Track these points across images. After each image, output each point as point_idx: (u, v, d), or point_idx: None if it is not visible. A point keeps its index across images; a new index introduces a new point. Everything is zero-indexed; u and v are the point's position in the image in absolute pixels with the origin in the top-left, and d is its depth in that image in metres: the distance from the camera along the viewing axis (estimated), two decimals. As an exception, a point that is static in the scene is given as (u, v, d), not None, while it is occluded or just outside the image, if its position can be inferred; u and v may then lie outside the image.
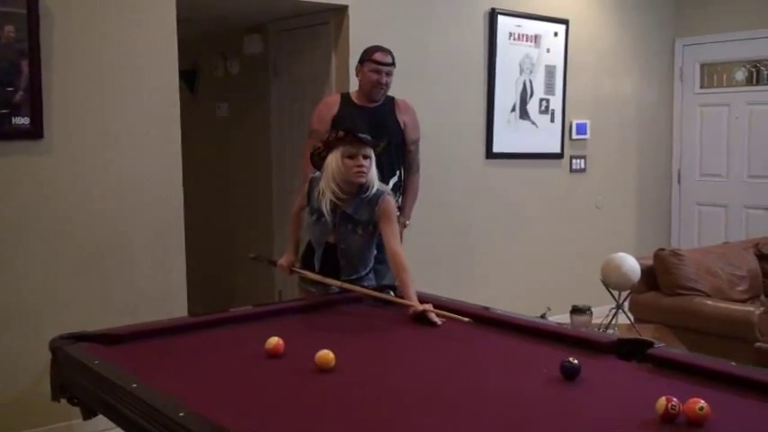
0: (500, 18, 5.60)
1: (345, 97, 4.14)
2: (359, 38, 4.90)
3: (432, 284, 3.55)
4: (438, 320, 2.79)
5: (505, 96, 5.72)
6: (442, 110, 5.39)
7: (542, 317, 3.54)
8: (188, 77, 6.39)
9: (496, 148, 5.69)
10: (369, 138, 3.19)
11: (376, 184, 3.20)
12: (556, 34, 5.97)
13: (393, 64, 4.07)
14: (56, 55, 3.79)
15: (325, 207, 3.15)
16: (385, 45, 4.97)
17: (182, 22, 4.24)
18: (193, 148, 5.43)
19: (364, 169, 3.11)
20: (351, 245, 3.19)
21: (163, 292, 4.18)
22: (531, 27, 5.82)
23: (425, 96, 5.27)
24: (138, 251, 4.10)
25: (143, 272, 4.12)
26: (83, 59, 3.90)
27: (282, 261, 3.47)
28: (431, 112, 5.31)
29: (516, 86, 5.79)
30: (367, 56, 4.06)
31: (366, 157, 3.13)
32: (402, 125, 4.13)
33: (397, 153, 4.11)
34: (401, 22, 5.14)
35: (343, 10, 4.91)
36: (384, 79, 4.03)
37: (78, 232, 3.92)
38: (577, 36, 6.12)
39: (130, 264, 4.08)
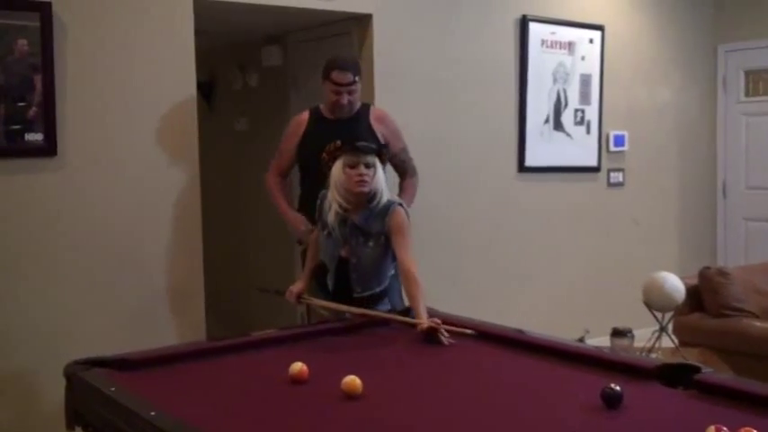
0: (531, 25, 5.61)
1: (315, 112, 4.06)
2: (383, 48, 4.93)
3: (458, 306, 3.55)
4: (446, 340, 2.83)
5: (538, 107, 5.72)
6: (472, 121, 5.39)
7: (580, 340, 3.53)
8: (205, 90, 6.45)
9: (529, 162, 5.69)
10: (369, 145, 3.23)
11: (385, 194, 3.24)
12: (591, 41, 5.97)
13: (354, 82, 3.89)
14: (70, 69, 3.85)
15: (332, 219, 3.22)
16: (411, 54, 5.01)
17: (199, 33, 4.29)
18: (211, 164, 5.48)
19: (366, 178, 3.16)
20: (362, 258, 3.22)
21: (180, 314, 4.21)
22: (565, 34, 5.82)
23: (453, 107, 5.29)
24: (156, 271, 4.14)
25: (160, 293, 4.15)
26: (97, 73, 3.96)
27: (293, 288, 3.49)
28: (459, 123, 5.32)
29: (549, 96, 5.79)
30: (325, 73, 3.92)
31: (368, 165, 3.18)
32: (381, 137, 3.98)
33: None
34: (428, 30, 5.17)
35: (366, 19, 4.94)
36: (344, 99, 3.89)
37: (93, 251, 3.97)
38: (613, 43, 6.11)
39: (147, 284, 4.11)
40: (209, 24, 5.02)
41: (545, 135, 5.77)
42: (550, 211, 5.86)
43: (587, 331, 4.45)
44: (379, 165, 3.22)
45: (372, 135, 3.91)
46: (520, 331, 2.94)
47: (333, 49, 5.21)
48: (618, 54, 6.16)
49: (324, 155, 3.29)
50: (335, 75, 3.86)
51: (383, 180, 3.25)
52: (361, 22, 4.98)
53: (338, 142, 3.22)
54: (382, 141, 3.85)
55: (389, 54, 4.98)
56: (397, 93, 4.99)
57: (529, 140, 5.67)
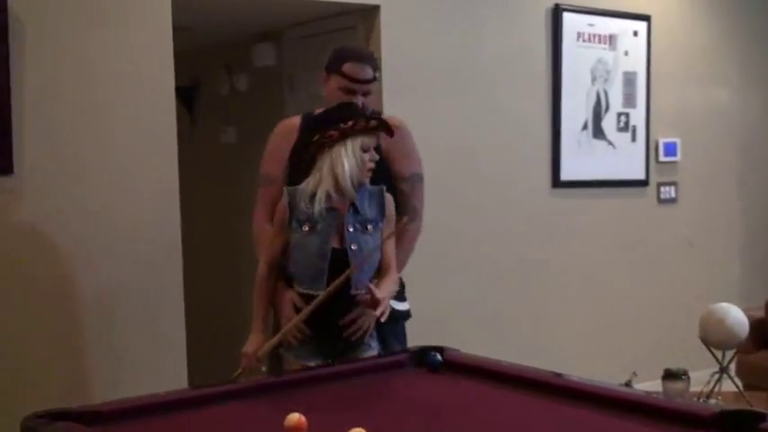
0: (566, 15, 5.63)
1: (308, 119, 3.55)
2: (393, 45, 4.95)
3: (482, 345, 3.54)
4: (378, 312, 2.98)
5: (575, 111, 5.73)
6: (497, 129, 5.41)
7: (627, 384, 3.51)
8: (186, 96, 6.48)
9: (565, 175, 5.69)
10: (384, 119, 3.20)
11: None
12: (635, 33, 5.98)
13: (374, 79, 3.50)
14: (28, 74, 3.87)
15: (317, 210, 3.08)
16: (425, 52, 5.03)
17: (178, 31, 4.32)
18: (193, 183, 5.49)
19: (372, 164, 3.16)
20: (363, 246, 3.13)
21: (157, 358, 4.21)
22: (605, 25, 5.84)
23: (475, 113, 5.30)
24: (127, 307, 4.14)
25: (132, 333, 4.15)
26: (59, 79, 3.98)
27: (247, 349, 3.18)
28: (482, 131, 5.33)
29: (588, 98, 5.80)
30: (335, 65, 3.47)
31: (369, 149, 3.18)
32: (384, 154, 3.45)
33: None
34: (445, 23, 5.19)
35: (373, 11, 4.97)
36: (359, 101, 3.41)
37: (53, 284, 3.98)
38: (662, 35, 6.12)
39: (117, 323, 4.12)
40: (190, 20, 5.06)
41: (583, 144, 5.78)
42: (590, 232, 5.86)
43: (635, 374, 4.43)
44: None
45: (377, 151, 3.30)
46: (557, 375, 2.93)
47: (335, 46, 5.23)
48: (667, 49, 6.17)
49: (332, 132, 3.08)
50: (350, 67, 3.42)
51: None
52: (368, 15, 5.01)
53: (373, 122, 3.10)
54: (385, 159, 3.45)
55: (400, 51, 5.01)
56: (409, 96, 5.01)
57: (564, 150, 5.68)
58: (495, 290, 5.41)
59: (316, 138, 3.12)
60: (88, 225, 4.05)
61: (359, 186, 3.11)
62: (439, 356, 3.09)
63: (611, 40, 5.88)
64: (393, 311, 3.32)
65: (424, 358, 3.08)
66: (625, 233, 6.04)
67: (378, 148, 3.28)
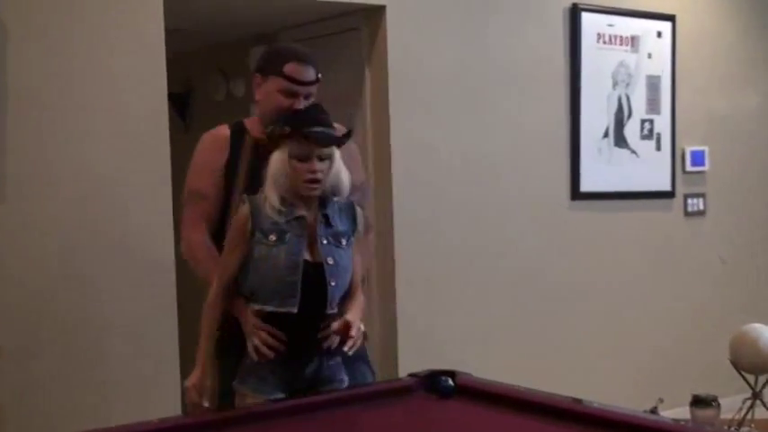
0: (585, 15, 5.64)
1: (238, 131, 3.46)
2: (400, 47, 4.96)
3: (499, 366, 3.54)
4: (348, 346, 3.00)
5: (595, 117, 5.73)
6: (511, 138, 5.41)
7: (652, 411, 3.51)
8: (179, 103, 6.50)
9: (585, 186, 5.69)
10: (328, 132, 3.02)
11: (345, 190, 3.10)
12: (659, 35, 5.99)
13: (317, 80, 3.39)
14: (10, 80, 3.90)
15: (277, 218, 2.98)
16: (434, 55, 5.04)
17: (170, 33, 4.33)
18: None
19: (319, 176, 2.98)
20: (338, 259, 3.06)
21: (150, 385, 4.20)
22: (627, 26, 5.84)
23: (487, 120, 5.31)
24: (117, 331, 4.14)
25: (124, 358, 4.15)
26: (43, 85, 3.99)
27: (191, 381, 3.07)
28: (495, 140, 5.34)
29: (609, 104, 5.80)
30: (273, 66, 3.36)
31: (323, 158, 2.99)
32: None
33: None
34: (455, 24, 5.20)
35: (379, 11, 4.98)
36: (301, 105, 3.30)
37: (34, 298, 3.98)
38: (688, 36, 6.12)
39: (106, 347, 4.11)
40: (183, 21, 5.08)
41: (604, 153, 5.78)
42: (612, 247, 5.85)
43: (661, 400, 4.44)
44: (337, 155, 3.04)
45: None
46: (577, 401, 2.93)
47: (338, 49, 5.25)
48: (694, 51, 6.17)
49: (265, 137, 3.07)
50: (292, 68, 3.31)
51: (344, 174, 3.08)
52: (373, 16, 5.03)
53: (287, 129, 2.98)
54: None
55: (408, 55, 5.02)
56: (416, 103, 5.02)
57: (584, 160, 5.68)
58: (511, 309, 5.40)
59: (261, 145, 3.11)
60: (73, 239, 4.06)
61: (299, 200, 3.00)
62: (450, 381, 3.09)
63: (634, 41, 5.89)
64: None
65: (435, 383, 3.08)
66: (649, 248, 6.03)
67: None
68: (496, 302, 5.32)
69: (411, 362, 4.22)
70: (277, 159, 3.01)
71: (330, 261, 3.03)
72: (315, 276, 3.01)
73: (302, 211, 3.02)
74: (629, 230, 5.94)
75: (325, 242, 3.04)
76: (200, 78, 6.56)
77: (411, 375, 3.25)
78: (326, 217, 3.06)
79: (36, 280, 3.99)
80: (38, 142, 3.98)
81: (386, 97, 4.93)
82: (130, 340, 4.18)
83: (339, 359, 3.11)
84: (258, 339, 2.98)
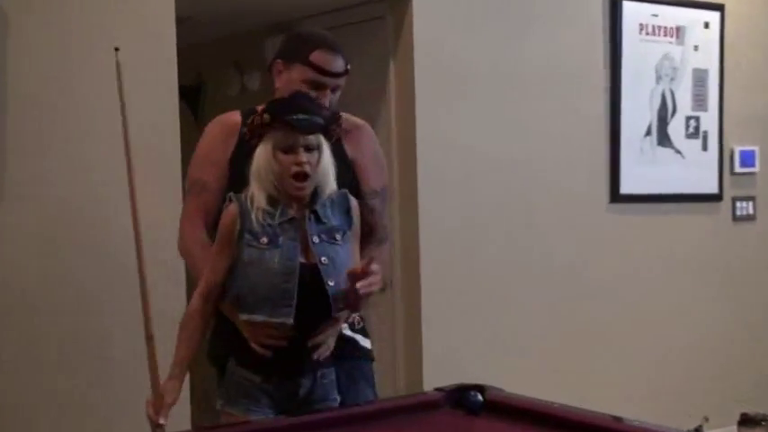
0: (626, 5, 5.64)
1: (250, 115, 3.26)
2: (427, 39, 4.97)
3: (532, 381, 3.54)
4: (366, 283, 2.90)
5: (636, 115, 5.73)
6: (545, 135, 5.41)
7: (697, 430, 3.50)
8: (191, 97, 6.53)
9: (625, 189, 5.69)
10: (312, 119, 2.92)
11: (331, 185, 3.01)
12: (706, 25, 5.97)
13: (346, 72, 3.32)
14: (10, 71, 3.92)
15: (263, 220, 2.91)
16: (464, 48, 5.04)
17: (182, 22, 4.35)
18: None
19: (306, 168, 2.89)
20: (335, 258, 2.98)
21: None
22: (672, 16, 5.83)
23: (520, 117, 5.30)
24: (122, 342, 4.15)
25: (129, 373, 4.16)
26: (45, 77, 4.02)
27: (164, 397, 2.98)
28: (528, 138, 5.33)
29: (652, 100, 5.79)
30: (300, 53, 3.27)
31: (310, 148, 2.91)
32: (352, 164, 3.37)
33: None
34: (486, 15, 5.22)
35: (404, 0, 4.99)
36: (325, 101, 3.24)
37: (36, 304, 4.00)
38: (738, 27, 6.10)
39: (109, 362, 4.14)
40: (195, 10, 5.10)
41: (646, 152, 5.77)
42: (654, 254, 5.84)
43: (706, 419, 4.42)
44: (325, 146, 2.96)
45: (342, 162, 3.21)
46: (616, 419, 2.93)
47: (361, 40, 5.26)
48: (743, 42, 6.15)
49: (245, 130, 3.01)
50: (320, 56, 3.24)
51: (330, 168, 2.98)
52: (398, 5, 5.04)
53: (266, 116, 2.91)
54: (353, 170, 3.34)
55: (436, 47, 5.03)
56: (445, 98, 5.03)
57: (624, 160, 5.67)
58: (545, 320, 5.40)
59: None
60: (77, 240, 4.08)
61: (288, 198, 2.92)
62: (479, 396, 3.09)
63: (679, 32, 5.87)
64: (362, 349, 3.32)
65: (463, 398, 3.08)
66: (695, 255, 6.01)
67: (342, 155, 3.18)
68: (529, 313, 5.32)
69: (437, 375, 4.24)
70: (261, 154, 2.94)
71: (324, 260, 2.94)
72: (311, 280, 2.93)
73: (293, 212, 2.95)
74: (673, 236, 5.92)
75: (317, 240, 2.96)
76: (213, 71, 6.59)
77: (437, 389, 3.26)
78: (316, 213, 2.97)
79: (34, 279, 4.01)
80: (37, 140, 3.99)
81: (412, 92, 4.93)
82: (135, 348, 4.18)
83: (333, 377, 3.07)
84: (265, 340, 2.94)
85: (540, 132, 5.38)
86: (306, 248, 2.94)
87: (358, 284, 2.88)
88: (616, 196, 5.68)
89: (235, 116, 3.36)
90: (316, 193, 2.97)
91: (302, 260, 2.93)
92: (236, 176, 3.16)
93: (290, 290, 2.90)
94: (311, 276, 2.92)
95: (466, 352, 5.02)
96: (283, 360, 2.95)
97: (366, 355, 3.40)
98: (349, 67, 3.32)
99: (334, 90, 3.27)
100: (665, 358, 5.84)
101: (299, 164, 2.87)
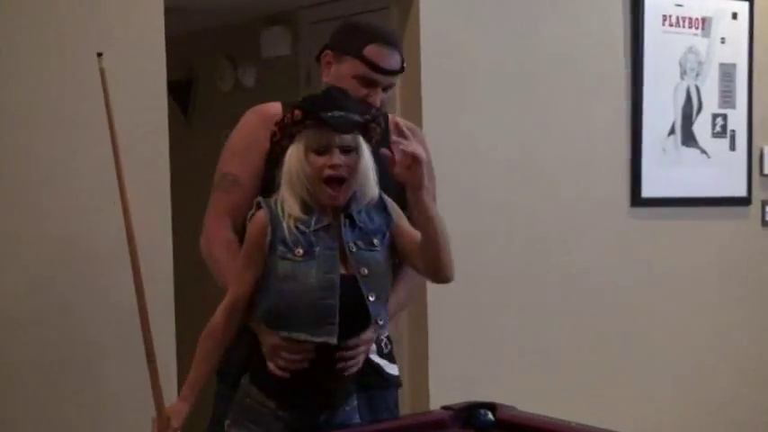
0: (648, -6, 5.65)
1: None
2: (435, 32, 4.97)
3: (546, 398, 3.54)
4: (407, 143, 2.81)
5: (659, 112, 5.73)
6: (561, 135, 5.41)
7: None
8: (180, 93, 6.53)
9: (647, 192, 5.69)
10: (349, 116, 2.85)
11: (372, 190, 2.94)
12: (734, 16, 5.97)
13: (402, 69, 3.29)
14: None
15: (294, 228, 2.83)
16: (474, 41, 5.04)
17: (170, 13, 4.34)
18: (188, 196, 5.51)
19: (342, 172, 2.81)
20: (374, 266, 2.92)
21: (143, 416, 4.22)
22: (697, 6, 5.83)
23: (534, 115, 5.30)
24: (110, 353, 4.15)
25: (114, 396, 4.15)
26: (22, 71, 4.01)
27: (172, 415, 2.93)
28: (544, 138, 5.33)
29: (676, 96, 5.79)
30: (352, 44, 3.23)
31: (347, 149, 2.83)
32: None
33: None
34: (497, 6, 5.22)
35: (410, -11, 5.01)
36: (376, 99, 3.21)
37: (15, 312, 3.99)
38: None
39: (91, 385, 4.13)
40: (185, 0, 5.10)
41: (669, 152, 5.76)
42: (677, 262, 5.84)
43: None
44: (365, 147, 2.88)
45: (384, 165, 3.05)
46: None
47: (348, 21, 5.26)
48: (774, 35, 6.15)
49: (274, 129, 2.94)
50: (375, 51, 3.18)
51: (371, 172, 2.91)
52: (404, -6, 5.05)
53: (297, 113, 2.85)
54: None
55: (444, 41, 5.03)
56: (454, 95, 5.03)
57: (646, 161, 5.67)
58: (560, 333, 5.39)
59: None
60: (57, 246, 4.08)
61: (320, 204, 2.85)
62: (490, 415, 3.10)
63: (705, 24, 5.87)
64: (388, 377, 3.28)
65: (472, 417, 3.09)
66: (722, 263, 6.00)
67: (378, 160, 2.98)
68: (544, 325, 5.31)
69: (444, 392, 4.24)
70: (292, 155, 2.86)
71: (365, 271, 2.88)
72: (350, 294, 2.86)
73: (328, 218, 2.87)
74: (698, 243, 5.92)
75: (354, 248, 2.89)
76: (205, 65, 6.59)
77: (444, 408, 3.26)
78: (351, 217, 2.90)
79: (10, 288, 4.02)
80: (14, 142, 4.00)
81: (418, 88, 4.92)
82: (122, 358, 4.18)
83: (355, 403, 3.03)
84: (282, 362, 2.85)
85: (556, 132, 5.38)
86: (343, 257, 2.87)
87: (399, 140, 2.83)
88: (637, 200, 5.68)
89: (276, 107, 3.28)
90: (352, 197, 2.90)
91: (342, 271, 2.86)
92: (271, 173, 3.08)
93: (332, 306, 2.82)
94: (350, 290, 2.86)
95: (476, 367, 5.01)
96: (305, 388, 2.89)
97: (392, 382, 3.36)
98: (405, 65, 3.29)
99: (386, 89, 3.23)
100: (690, 373, 5.83)
101: (334, 167, 2.80)
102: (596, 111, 5.55)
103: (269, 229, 2.84)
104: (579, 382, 5.41)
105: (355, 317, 2.88)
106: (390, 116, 3.36)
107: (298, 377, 2.85)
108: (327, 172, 2.79)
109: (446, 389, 4.55)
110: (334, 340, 2.81)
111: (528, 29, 5.30)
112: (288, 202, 2.85)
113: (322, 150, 2.81)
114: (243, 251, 2.92)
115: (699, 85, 5.87)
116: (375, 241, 2.92)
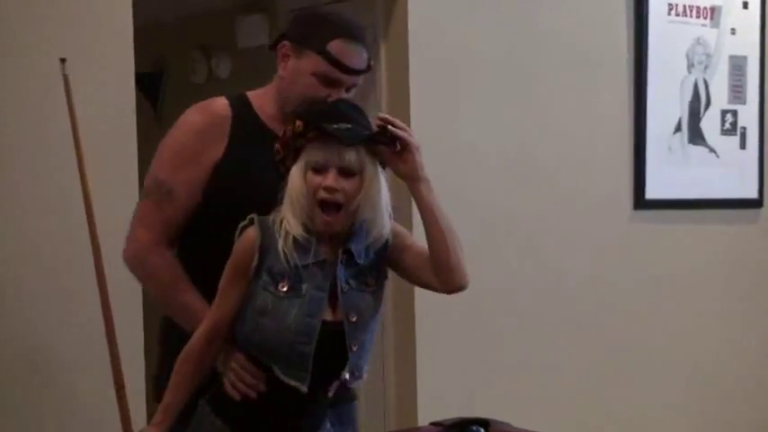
0: (652, -19, 5.67)
1: (242, 107, 3.23)
2: (424, 20, 4.97)
3: (543, 414, 3.55)
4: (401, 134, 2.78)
5: (664, 108, 5.74)
6: (560, 133, 5.42)
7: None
8: (149, 85, 6.52)
9: (651, 193, 5.70)
10: (353, 129, 2.74)
11: (382, 224, 2.83)
12: (745, 5, 5.98)
13: (368, 68, 3.18)
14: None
15: (295, 258, 2.72)
16: (467, 33, 5.03)
17: (139, 1, 4.35)
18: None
19: (338, 196, 2.69)
20: (365, 310, 2.83)
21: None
22: (705, -5, 5.86)
23: (531, 111, 5.31)
24: (73, 365, 4.15)
25: (79, 411, 4.16)
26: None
27: None
28: (541, 137, 5.34)
29: (682, 91, 5.81)
30: (314, 37, 3.07)
31: (348, 171, 2.71)
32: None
33: None
34: (493, -5, 5.23)
35: (397, -24, 5.02)
36: (340, 96, 3.07)
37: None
38: (781, 7, 6.13)
39: (56, 400, 4.14)
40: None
41: (675, 151, 5.78)
42: (684, 268, 5.85)
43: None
44: (374, 173, 2.77)
45: None
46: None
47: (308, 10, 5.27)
48: (788, 25, 6.17)
49: (277, 145, 2.84)
50: (340, 48, 3.04)
51: (382, 201, 2.80)
52: (390, -19, 5.05)
53: (299, 123, 2.76)
54: None
55: (434, 31, 5.04)
56: (445, 90, 5.04)
57: (650, 160, 5.68)
58: (558, 342, 5.39)
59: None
60: (19, 253, 4.09)
61: (318, 232, 2.74)
62: (483, 431, 3.12)
63: (714, 13, 5.89)
64: (351, 389, 3.15)
65: (464, 434, 3.10)
66: (731, 269, 6.01)
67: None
68: (541, 334, 5.31)
69: (433, 407, 4.24)
70: (294, 173, 2.76)
71: (353, 317, 2.79)
72: (331, 340, 2.77)
73: (327, 252, 2.76)
74: (706, 247, 5.93)
75: (346, 287, 2.79)
76: (175, 56, 6.59)
77: (434, 424, 3.28)
78: (349, 251, 2.79)
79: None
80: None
81: (406, 82, 4.93)
82: (88, 369, 4.18)
83: (328, 426, 2.95)
84: (235, 376, 2.78)
85: (554, 129, 5.39)
86: (333, 298, 2.78)
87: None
88: (641, 202, 5.70)
89: (222, 105, 3.18)
90: (361, 230, 2.79)
91: (327, 317, 2.77)
92: (224, 192, 3.01)
93: (307, 354, 2.74)
94: (334, 335, 2.77)
95: (468, 379, 5.02)
96: (269, 422, 2.81)
97: (355, 395, 3.30)
98: (372, 63, 3.18)
99: (349, 89, 3.09)
100: (697, 385, 5.83)
101: (327, 189, 2.69)
102: (597, 106, 5.56)
103: (256, 254, 2.74)
104: (579, 393, 5.41)
105: (334, 363, 2.80)
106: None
107: (261, 409, 2.79)
108: (321, 194, 2.69)
109: (436, 403, 4.56)
110: (304, 389, 2.73)
111: (525, 18, 5.31)
112: (290, 222, 2.74)
113: (320, 168, 2.71)
114: (226, 271, 2.80)
115: (707, 78, 5.89)
116: (369, 281, 2.84)
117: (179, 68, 6.59)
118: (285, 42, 3.11)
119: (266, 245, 2.74)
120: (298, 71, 3.07)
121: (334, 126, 2.70)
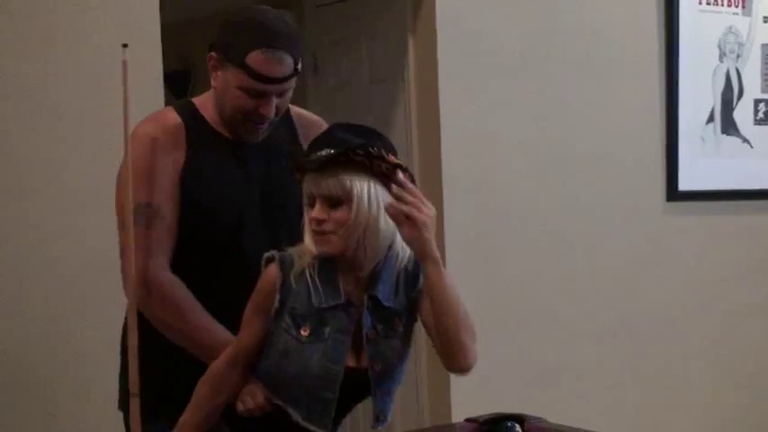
0: (683, -29, 5.66)
1: (190, 115, 3.18)
2: (452, 13, 4.97)
3: (576, 410, 3.54)
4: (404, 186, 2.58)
5: (696, 98, 5.73)
6: (590, 125, 5.43)
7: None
8: (177, 83, 6.54)
9: (684, 185, 5.69)
10: (322, 156, 2.62)
11: (403, 251, 2.73)
12: (778, -7, 5.98)
13: (295, 73, 3.05)
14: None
15: (318, 300, 2.67)
16: (494, 23, 5.03)
17: (167, -1, 4.38)
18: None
19: (325, 227, 2.63)
20: (391, 358, 2.78)
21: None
22: (737, -18, 5.85)
23: (559, 102, 5.31)
24: (93, 371, 4.15)
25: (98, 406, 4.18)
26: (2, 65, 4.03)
27: None
28: (570, 128, 5.34)
29: (715, 81, 5.79)
30: (233, 50, 3.02)
31: (333, 201, 2.62)
32: None
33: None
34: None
35: (424, -32, 5.02)
36: (269, 110, 3.03)
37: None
38: (814, -6, 6.11)
39: (53, 388, 4.15)
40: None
41: (708, 142, 5.77)
42: (718, 262, 5.84)
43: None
44: (365, 198, 2.62)
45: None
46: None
47: (375, 17, 5.26)
48: (821, 12, 6.14)
49: (296, 173, 2.74)
50: (259, 60, 2.97)
51: (379, 227, 2.65)
52: (418, -26, 5.06)
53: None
54: None
55: (461, 23, 5.05)
56: (473, 82, 5.04)
57: (683, 151, 5.67)
58: (591, 340, 5.39)
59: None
60: (42, 256, 4.10)
61: (318, 258, 2.69)
62: (518, 428, 3.11)
63: (745, 1, 5.87)
64: None
65: (499, 430, 3.10)
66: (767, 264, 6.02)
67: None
68: (572, 330, 5.32)
69: (467, 403, 4.25)
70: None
71: (378, 366, 2.74)
72: (355, 385, 2.73)
73: (352, 293, 2.70)
74: (740, 240, 5.92)
75: (372, 336, 2.73)
76: (203, 54, 6.60)
77: (468, 420, 3.28)
78: (376, 299, 2.72)
79: None
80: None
81: (434, 76, 4.93)
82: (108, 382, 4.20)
83: None
84: (254, 404, 2.74)
85: (585, 121, 5.39)
86: (357, 344, 2.72)
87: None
88: (674, 194, 5.69)
89: (172, 115, 3.14)
90: (377, 275, 2.71)
91: (350, 364, 2.72)
92: (191, 204, 3.00)
93: (330, 401, 2.71)
94: (356, 382, 2.73)
95: (501, 376, 5.01)
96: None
97: None
98: (299, 66, 3.05)
99: (280, 95, 3.03)
100: (736, 390, 5.81)
101: (315, 221, 2.64)
102: (628, 97, 5.55)
103: (278, 295, 2.69)
104: (611, 391, 5.41)
105: (355, 404, 2.81)
106: (293, 108, 3.29)
107: (271, 424, 2.75)
108: (312, 226, 2.66)
109: (469, 400, 4.56)
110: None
111: (554, 9, 5.30)
112: (307, 256, 2.70)
113: (310, 201, 2.67)
114: (250, 303, 2.76)
115: (739, 67, 5.87)
116: (397, 325, 2.77)
117: (206, 66, 6.59)
118: (212, 54, 3.11)
119: (286, 284, 2.69)
120: (226, 83, 3.05)
121: (307, 158, 2.66)
